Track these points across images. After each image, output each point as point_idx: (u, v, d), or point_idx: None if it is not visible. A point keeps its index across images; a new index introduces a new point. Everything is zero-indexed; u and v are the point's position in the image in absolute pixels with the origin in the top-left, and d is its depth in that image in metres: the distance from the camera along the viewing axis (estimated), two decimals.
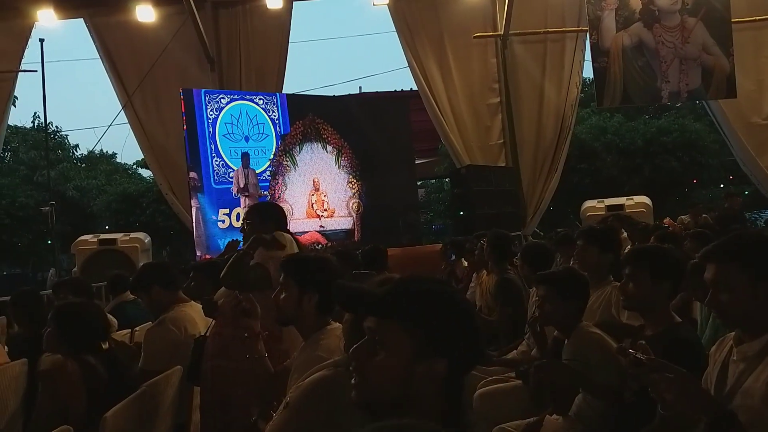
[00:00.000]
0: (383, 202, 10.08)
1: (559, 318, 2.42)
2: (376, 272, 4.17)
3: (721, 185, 17.31)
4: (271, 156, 9.36)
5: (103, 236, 9.57)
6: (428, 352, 1.08)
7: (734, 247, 1.59)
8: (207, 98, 9.03)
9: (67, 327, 2.42)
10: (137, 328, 4.03)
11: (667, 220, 8.38)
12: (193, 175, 8.75)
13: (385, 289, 1.16)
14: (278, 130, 9.52)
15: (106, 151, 21.74)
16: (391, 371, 1.09)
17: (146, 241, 9.51)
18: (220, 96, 9.19)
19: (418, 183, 14.42)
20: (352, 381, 1.13)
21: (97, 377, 2.30)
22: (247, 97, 9.45)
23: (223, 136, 9.07)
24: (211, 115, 8.99)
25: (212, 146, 8.95)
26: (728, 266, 1.55)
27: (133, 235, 9.60)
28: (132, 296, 4.46)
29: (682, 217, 8.80)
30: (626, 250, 6.32)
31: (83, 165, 21.03)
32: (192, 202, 8.80)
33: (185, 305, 3.16)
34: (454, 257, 6.25)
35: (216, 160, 8.97)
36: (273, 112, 9.52)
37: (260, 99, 9.50)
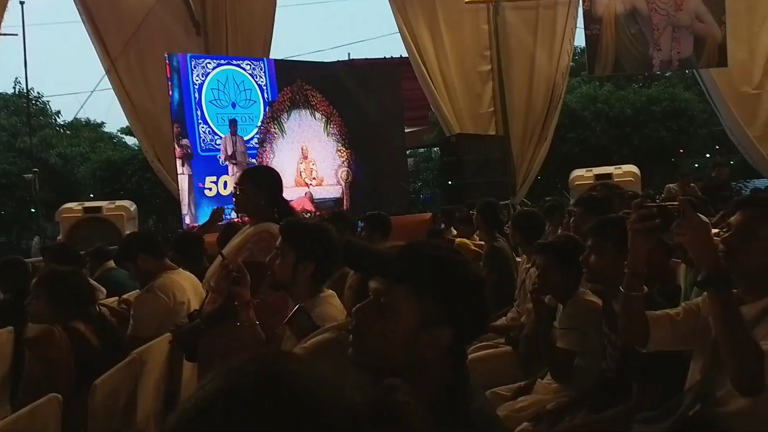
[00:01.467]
0: (372, 170, 10.02)
1: (558, 286, 2.42)
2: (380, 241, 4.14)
3: (707, 155, 17.43)
4: (259, 123, 9.23)
5: (88, 204, 9.43)
6: (435, 319, 1.06)
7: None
8: (193, 63, 8.84)
9: (54, 294, 2.38)
10: (125, 296, 3.99)
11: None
12: (185, 142, 8.60)
13: (398, 252, 1.13)
14: (266, 96, 9.37)
15: (93, 120, 21.38)
16: (393, 336, 1.07)
17: (132, 209, 9.39)
18: (206, 61, 9.00)
19: (407, 152, 14.31)
20: (350, 338, 1.11)
21: (86, 344, 2.27)
22: (234, 62, 9.27)
23: (210, 102, 8.92)
24: (197, 80, 8.82)
25: (198, 113, 8.80)
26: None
27: (118, 203, 9.48)
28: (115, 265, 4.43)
29: (670, 185, 8.84)
30: None
31: (67, 132, 20.69)
32: (183, 169, 8.67)
33: (173, 272, 3.12)
34: (443, 226, 6.25)
35: (203, 127, 8.84)
36: (260, 78, 9.35)
37: (247, 64, 9.33)
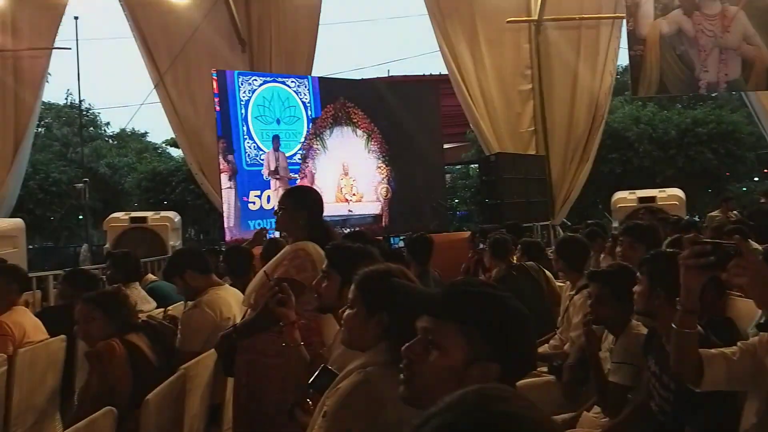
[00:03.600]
0: (411, 187, 10.03)
1: (612, 318, 2.38)
2: (420, 265, 4.15)
3: (755, 178, 16.91)
4: (302, 139, 9.37)
5: (134, 214, 9.72)
6: (483, 354, 1.09)
7: None
8: (240, 80, 9.04)
9: (112, 309, 2.47)
10: (170, 308, 4.08)
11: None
12: (230, 158, 8.78)
13: (444, 290, 1.18)
14: (309, 113, 9.51)
15: (138, 130, 22.00)
16: (443, 372, 1.10)
17: (176, 219, 9.64)
18: (253, 78, 9.19)
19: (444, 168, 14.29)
20: (401, 376, 1.15)
21: (143, 358, 2.34)
22: (279, 79, 9.44)
23: (256, 118, 9.09)
24: (243, 97, 9.01)
25: (244, 128, 8.98)
26: None
27: (163, 213, 9.74)
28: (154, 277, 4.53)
29: (713, 214, 8.59)
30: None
31: (114, 143, 21.34)
32: (231, 183, 8.84)
33: (219, 288, 3.18)
34: (482, 246, 6.20)
35: (248, 142, 9.00)
36: (304, 95, 9.51)
37: (292, 82, 9.49)
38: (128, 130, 20.77)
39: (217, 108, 8.76)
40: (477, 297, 1.14)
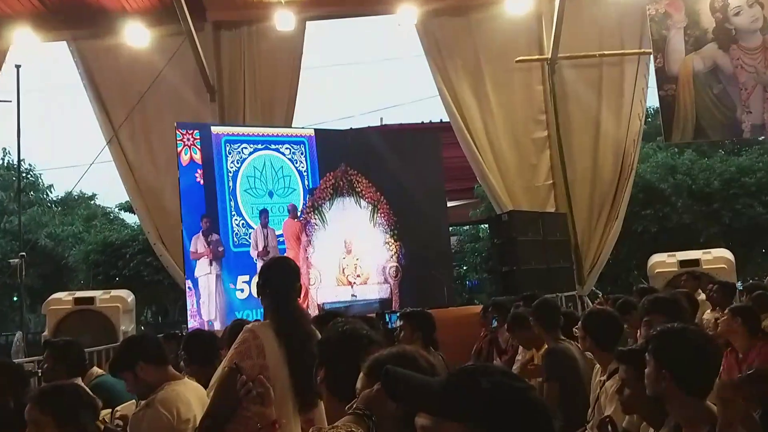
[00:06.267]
0: (420, 260, 10.00)
1: (648, 407, 2.33)
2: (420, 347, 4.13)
3: None
4: (298, 213, 9.44)
5: (79, 294, 9.65)
6: None
7: None
8: (228, 148, 9.18)
9: (60, 413, 2.45)
10: (118, 408, 4.00)
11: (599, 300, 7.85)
12: (214, 238, 8.82)
13: (446, 382, 1.14)
14: (306, 183, 9.64)
15: (86, 194, 22.10)
16: None
17: (129, 300, 9.56)
18: (242, 146, 9.31)
19: (449, 230, 14.37)
20: None
21: None
22: (273, 146, 9.55)
23: (245, 191, 9.21)
24: (231, 167, 9.14)
25: (232, 203, 9.08)
26: None
27: (114, 292, 9.67)
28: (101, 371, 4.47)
29: None
30: (704, 315, 6.22)
31: (58, 208, 21.39)
32: (211, 268, 8.82)
33: (177, 383, 3.13)
34: (496, 323, 6.16)
35: (236, 219, 9.08)
36: (300, 162, 9.64)
37: (287, 148, 9.62)
38: (75, 193, 20.87)
39: (201, 181, 8.88)
40: (485, 391, 1.10)
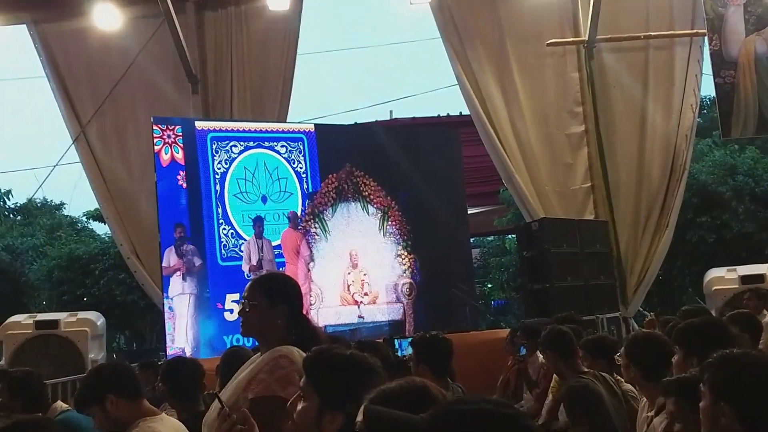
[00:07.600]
0: (440, 277, 10.02)
1: None
2: (435, 378, 4.14)
3: None
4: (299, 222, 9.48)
5: (40, 317, 9.68)
6: None
7: None
8: (215, 146, 9.23)
9: None
10: None
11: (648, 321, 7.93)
12: (188, 248, 8.85)
13: (430, 418, 1.18)
14: (305, 186, 9.68)
15: (50, 201, 22.22)
16: None
17: (99, 323, 9.58)
18: (231, 143, 9.37)
19: (471, 241, 14.35)
20: None
21: None
22: (266, 144, 9.61)
23: (234, 196, 9.26)
24: (219, 168, 9.20)
25: (220, 210, 9.13)
26: None
27: (81, 315, 9.68)
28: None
29: None
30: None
31: (17, 218, 21.52)
32: (184, 286, 8.80)
33: (153, 419, 3.14)
34: (525, 351, 6.14)
35: (224, 228, 9.12)
36: (299, 163, 9.69)
37: (282, 146, 9.68)
38: (37, 200, 20.99)
39: (183, 184, 8.93)
40: (473, 426, 1.13)
